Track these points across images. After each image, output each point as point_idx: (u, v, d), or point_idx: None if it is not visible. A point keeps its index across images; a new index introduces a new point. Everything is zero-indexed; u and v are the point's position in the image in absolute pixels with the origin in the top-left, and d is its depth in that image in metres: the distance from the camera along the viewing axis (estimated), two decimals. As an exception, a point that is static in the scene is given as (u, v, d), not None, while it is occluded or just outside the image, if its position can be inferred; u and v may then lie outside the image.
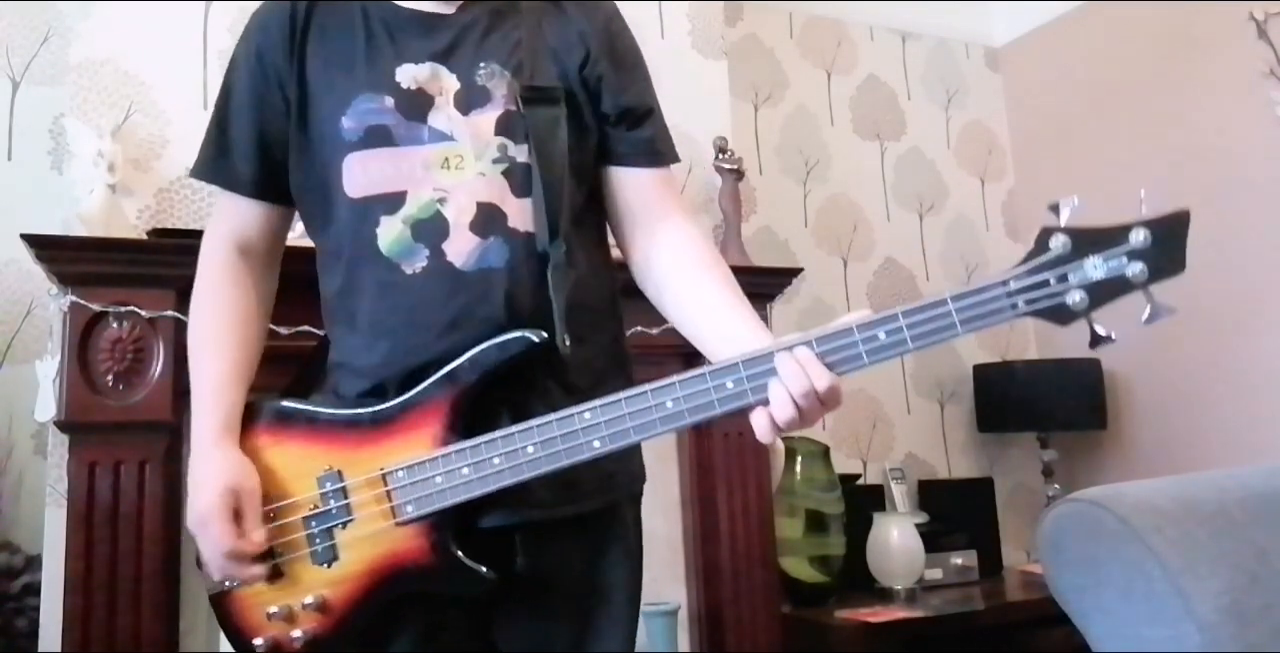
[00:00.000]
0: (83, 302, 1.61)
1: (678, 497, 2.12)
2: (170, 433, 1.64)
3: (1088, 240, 0.84)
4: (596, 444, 0.93)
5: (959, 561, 2.56)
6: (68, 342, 1.62)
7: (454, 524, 0.99)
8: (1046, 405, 2.75)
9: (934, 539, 2.50)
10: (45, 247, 1.61)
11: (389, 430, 1.01)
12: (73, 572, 1.57)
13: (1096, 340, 0.86)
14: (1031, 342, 3.16)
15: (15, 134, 2.10)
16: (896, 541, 2.42)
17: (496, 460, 0.96)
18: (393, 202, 1.02)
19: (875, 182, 3.05)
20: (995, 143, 3.28)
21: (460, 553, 0.98)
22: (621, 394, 0.93)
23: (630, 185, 1.13)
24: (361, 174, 1.03)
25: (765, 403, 0.90)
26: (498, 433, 0.96)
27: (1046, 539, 1.31)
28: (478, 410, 1.00)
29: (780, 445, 2.26)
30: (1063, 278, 0.84)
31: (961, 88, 3.25)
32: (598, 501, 1.07)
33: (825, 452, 2.41)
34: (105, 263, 1.63)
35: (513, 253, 1.02)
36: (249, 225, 1.13)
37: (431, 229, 1.02)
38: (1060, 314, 0.85)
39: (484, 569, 0.98)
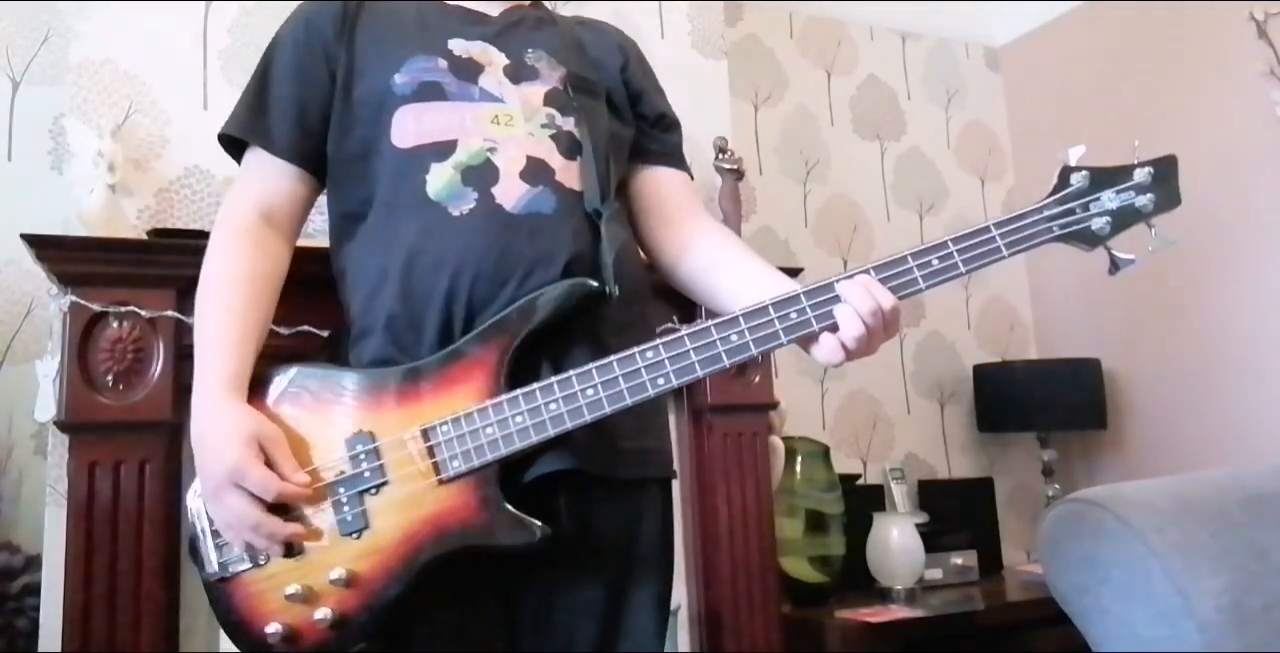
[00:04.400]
0: (83, 302, 1.61)
1: (678, 497, 2.12)
2: (170, 433, 1.64)
3: (1103, 177, 0.99)
4: (661, 381, 0.93)
5: (959, 561, 2.56)
6: (68, 342, 1.61)
7: (501, 479, 0.94)
8: (1046, 405, 2.74)
9: (934, 539, 2.50)
10: (45, 247, 1.61)
11: (426, 387, 0.97)
12: (73, 572, 1.56)
13: (1116, 265, 0.98)
14: (1031, 342, 3.16)
15: (15, 134, 2.09)
16: (896, 541, 2.42)
17: (553, 406, 0.94)
18: (444, 150, 1.04)
19: (875, 182, 3.05)
20: (995, 143, 3.27)
21: (512, 507, 0.94)
22: (683, 330, 0.94)
23: (663, 185, 1.20)
24: (414, 124, 1.05)
25: (829, 330, 0.94)
26: (552, 379, 0.94)
27: (1046, 539, 1.31)
28: (520, 363, 0.97)
29: (780, 445, 2.26)
30: (1086, 208, 0.98)
31: (961, 88, 3.25)
32: (633, 472, 1.06)
33: (825, 452, 2.41)
34: (105, 263, 1.63)
35: (560, 203, 1.04)
36: (276, 190, 1.12)
37: (481, 174, 1.03)
38: (1087, 238, 0.98)
39: (538, 522, 0.93)
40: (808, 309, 0.94)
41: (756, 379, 2.11)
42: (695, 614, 2.09)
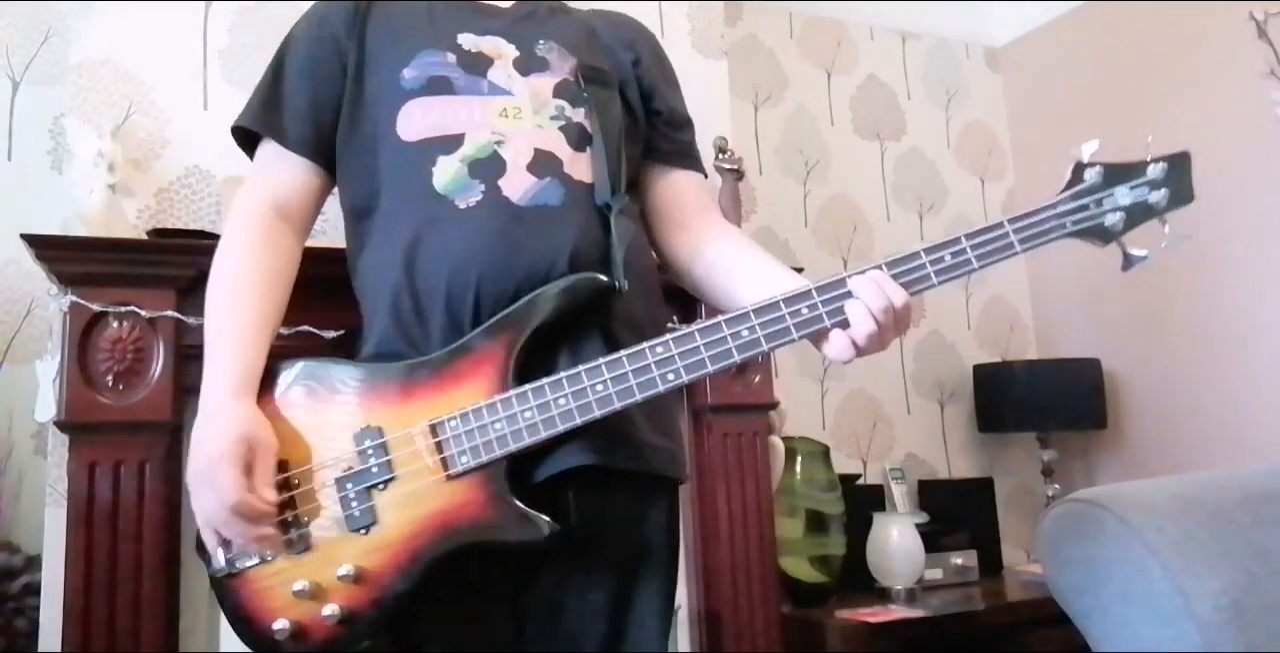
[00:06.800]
0: (83, 302, 1.61)
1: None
2: (170, 433, 1.64)
3: (1116, 173, 0.98)
4: (671, 377, 0.93)
5: (959, 561, 2.56)
6: (68, 342, 1.61)
7: (510, 475, 0.94)
8: (1046, 405, 2.74)
9: (934, 539, 2.50)
10: (45, 247, 1.61)
11: (436, 382, 0.97)
12: (73, 572, 1.56)
13: (1129, 261, 0.97)
14: (1031, 342, 3.16)
15: (15, 134, 2.09)
16: (896, 541, 2.42)
17: (562, 401, 0.93)
18: (451, 143, 1.04)
19: (875, 182, 3.05)
20: (995, 143, 3.27)
21: (521, 503, 0.93)
22: (693, 326, 0.93)
23: (675, 185, 1.19)
24: (421, 117, 1.05)
25: (840, 326, 0.94)
26: (561, 374, 0.94)
27: (1046, 539, 1.31)
28: (532, 358, 0.96)
29: (780, 445, 2.26)
30: (1099, 203, 0.97)
31: (961, 88, 3.25)
32: (648, 466, 1.04)
33: (825, 452, 2.41)
34: (105, 263, 1.63)
35: (569, 195, 1.03)
36: (289, 184, 1.11)
37: (489, 167, 1.02)
38: (1101, 234, 0.97)
39: (546, 519, 0.93)
40: (819, 305, 0.94)
41: (756, 379, 2.11)
42: (695, 614, 2.09)
